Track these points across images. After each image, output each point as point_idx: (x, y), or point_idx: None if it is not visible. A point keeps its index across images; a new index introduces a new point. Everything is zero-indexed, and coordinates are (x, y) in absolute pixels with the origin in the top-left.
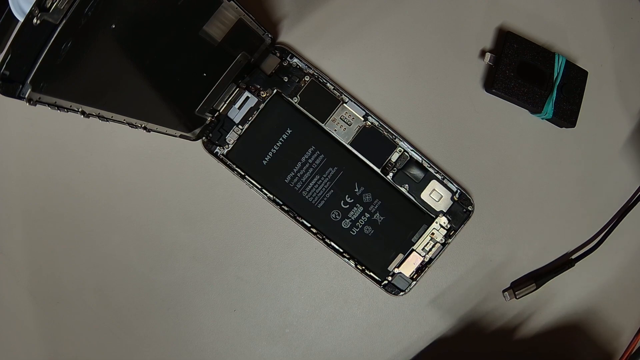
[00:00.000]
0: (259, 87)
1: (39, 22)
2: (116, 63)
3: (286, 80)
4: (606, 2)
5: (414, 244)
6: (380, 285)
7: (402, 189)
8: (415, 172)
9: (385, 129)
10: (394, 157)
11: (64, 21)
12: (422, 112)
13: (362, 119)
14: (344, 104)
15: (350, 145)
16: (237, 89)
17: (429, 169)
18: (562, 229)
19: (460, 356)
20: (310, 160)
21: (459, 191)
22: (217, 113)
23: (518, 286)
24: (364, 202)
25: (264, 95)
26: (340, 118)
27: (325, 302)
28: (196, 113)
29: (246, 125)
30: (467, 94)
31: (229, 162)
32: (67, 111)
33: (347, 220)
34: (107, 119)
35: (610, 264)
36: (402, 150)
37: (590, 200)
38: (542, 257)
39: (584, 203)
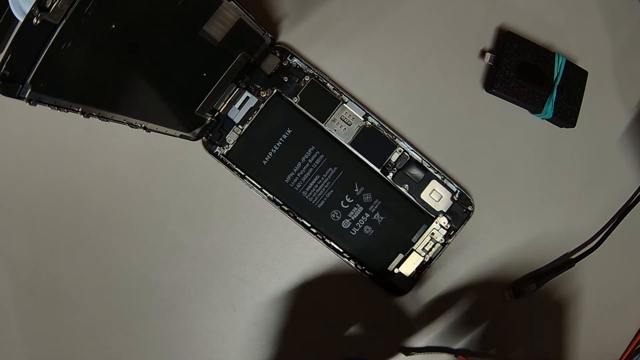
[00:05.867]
0: (259, 87)
1: (39, 22)
2: (116, 63)
3: (286, 80)
4: (606, 2)
5: (414, 244)
6: (380, 285)
7: (402, 189)
8: (415, 172)
9: (385, 129)
10: (394, 157)
11: (64, 21)
12: (422, 112)
13: (362, 119)
14: (344, 104)
15: (350, 145)
16: (237, 89)
17: (429, 169)
18: (562, 229)
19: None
20: (310, 160)
21: (459, 191)
22: (217, 113)
23: (518, 286)
24: (364, 202)
25: (264, 95)
26: (340, 118)
27: (325, 302)
28: (196, 113)
29: (246, 125)
30: (467, 94)
31: (229, 162)
32: (67, 111)
33: (347, 220)
34: (107, 119)
35: (610, 264)
36: (402, 150)
37: (590, 200)
38: (542, 257)
39: (584, 203)
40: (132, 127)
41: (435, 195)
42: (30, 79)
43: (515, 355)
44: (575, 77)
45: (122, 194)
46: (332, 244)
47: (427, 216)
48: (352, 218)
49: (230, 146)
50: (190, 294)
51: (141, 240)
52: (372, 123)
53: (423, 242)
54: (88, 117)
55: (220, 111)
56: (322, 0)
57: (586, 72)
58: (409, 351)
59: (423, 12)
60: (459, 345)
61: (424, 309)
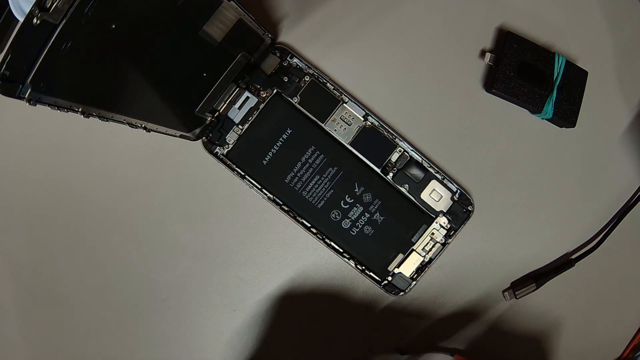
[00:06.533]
0: (259, 87)
1: (39, 22)
2: (116, 63)
3: (286, 80)
4: (606, 2)
5: (414, 244)
6: (380, 285)
7: (402, 189)
8: (415, 172)
9: (385, 129)
10: (394, 157)
11: (64, 21)
12: (422, 112)
13: (362, 119)
14: (344, 104)
15: (350, 145)
16: (237, 89)
17: (429, 169)
18: (562, 229)
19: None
20: (310, 160)
21: (459, 191)
22: (217, 113)
23: (518, 286)
24: (364, 202)
25: (264, 95)
26: (340, 118)
27: (325, 303)
28: (196, 113)
29: (246, 125)
30: (467, 94)
31: (229, 162)
32: (67, 111)
33: (347, 220)
34: (107, 119)
35: (610, 264)
36: (402, 150)
37: (590, 200)
38: (542, 257)
39: (584, 203)
40: (132, 127)
41: (435, 195)
42: (30, 79)
43: (514, 355)
44: (575, 77)
45: (122, 194)
46: (332, 244)
47: (427, 216)
48: (352, 218)
49: (230, 146)
50: (190, 294)
51: (141, 240)
52: (372, 123)
53: (423, 242)
54: (88, 117)
55: (220, 111)
56: (322, 0)
57: (586, 72)
58: (405, 350)
59: (423, 12)
60: (458, 345)
61: (423, 309)
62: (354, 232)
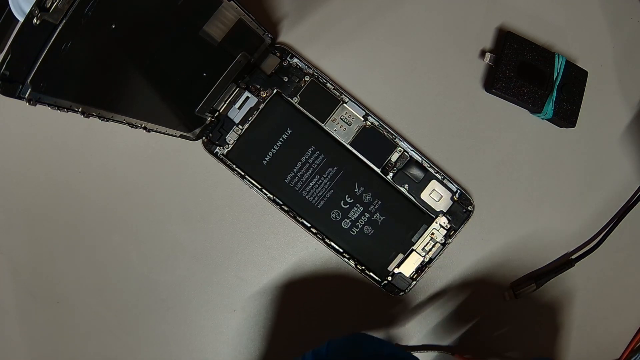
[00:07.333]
0: (259, 87)
1: (39, 22)
2: (116, 63)
3: (286, 80)
4: (606, 2)
5: (414, 244)
6: (380, 285)
7: (402, 189)
8: (415, 172)
9: (385, 129)
10: (394, 157)
11: (64, 21)
12: (422, 112)
13: (362, 119)
14: (344, 104)
15: (350, 145)
16: (237, 89)
17: (429, 169)
18: (562, 229)
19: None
20: (310, 160)
21: (459, 191)
22: (217, 113)
23: (518, 286)
24: (364, 202)
25: (264, 95)
26: (340, 118)
27: (325, 303)
28: (196, 113)
29: (246, 125)
30: (467, 94)
31: (229, 162)
32: (67, 111)
33: (347, 220)
34: (107, 119)
35: (610, 264)
36: (402, 150)
37: (590, 200)
38: (542, 257)
39: (584, 203)
40: (132, 127)
41: (435, 195)
42: (30, 79)
43: (513, 355)
44: (575, 77)
45: (122, 194)
46: (332, 244)
47: (427, 216)
48: (352, 218)
49: (230, 146)
50: (190, 294)
51: (141, 240)
52: (372, 123)
53: (423, 242)
54: (88, 117)
55: (220, 111)
56: (322, 0)
57: (586, 72)
58: (405, 349)
59: (423, 12)
60: (458, 344)
61: (423, 309)
62: (354, 232)
